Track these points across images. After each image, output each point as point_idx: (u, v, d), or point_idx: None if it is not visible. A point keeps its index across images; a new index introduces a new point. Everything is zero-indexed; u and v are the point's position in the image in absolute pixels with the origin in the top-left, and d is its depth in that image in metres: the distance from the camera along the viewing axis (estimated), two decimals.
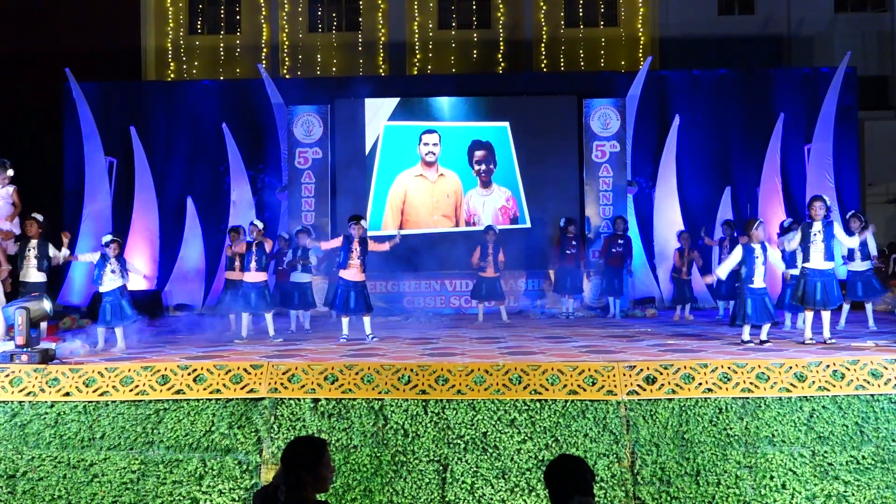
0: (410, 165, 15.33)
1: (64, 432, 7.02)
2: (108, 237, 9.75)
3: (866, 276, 10.66)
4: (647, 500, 6.58)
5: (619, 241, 13.51)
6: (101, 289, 9.58)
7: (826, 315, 8.97)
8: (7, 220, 9.48)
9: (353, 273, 10.11)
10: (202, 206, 16.02)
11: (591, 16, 19.58)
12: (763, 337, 8.86)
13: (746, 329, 8.89)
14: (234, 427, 6.94)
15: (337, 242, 10.34)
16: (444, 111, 15.39)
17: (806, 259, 9.05)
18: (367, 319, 10.23)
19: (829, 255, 8.98)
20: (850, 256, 10.75)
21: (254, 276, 10.40)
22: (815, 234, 8.96)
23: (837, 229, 9.18)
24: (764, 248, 8.98)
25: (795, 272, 9.77)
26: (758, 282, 8.90)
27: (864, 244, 10.58)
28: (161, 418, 7.04)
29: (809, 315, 9.02)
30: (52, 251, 9.73)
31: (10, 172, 9.61)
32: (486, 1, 19.66)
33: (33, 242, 9.60)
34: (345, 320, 10.19)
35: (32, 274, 9.54)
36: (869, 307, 10.74)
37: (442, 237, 15.07)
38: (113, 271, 9.53)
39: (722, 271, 9.42)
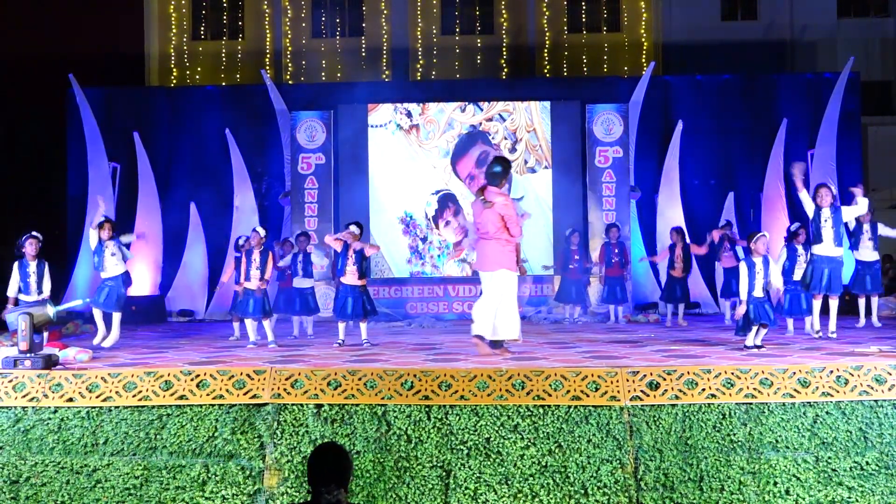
0: (414, 172, 15.39)
1: (67, 438, 7.02)
2: (98, 220, 9.67)
3: (874, 269, 10.56)
4: None
5: (616, 251, 13.50)
6: (103, 274, 9.52)
7: (833, 305, 8.89)
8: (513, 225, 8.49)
9: (350, 278, 10.17)
10: (205, 212, 16.02)
11: (594, 21, 19.59)
12: (758, 342, 8.81)
13: (751, 334, 8.88)
14: (237, 432, 6.94)
15: (337, 245, 10.36)
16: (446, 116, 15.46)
17: (815, 242, 9.05)
18: (363, 326, 10.30)
19: (839, 241, 9.03)
20: (854, 246, 10.60)
21: (254, 283, 10.25)
22: (824, 221, 8.98)
23: (846, 211, 9.17)
24: (766, 263, 8.97)
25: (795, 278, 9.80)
26: (757, 293, 8.91)
27: (874, 230, 10.49)
28: (164, 424, 7.04)
29: (817, 305, 8.97)
30: (47, 280, 9.32)
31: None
32: (489, 7, 19.68)
33: (32, 267, 9.19)
34: (341, 325, 10.29)
35: (31, 297, 9.17)
36: (875, 306, 10.68)
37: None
38: (113, 254, 9.47)
39: (743, 293, 9.19)
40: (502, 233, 8.30)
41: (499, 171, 8.45)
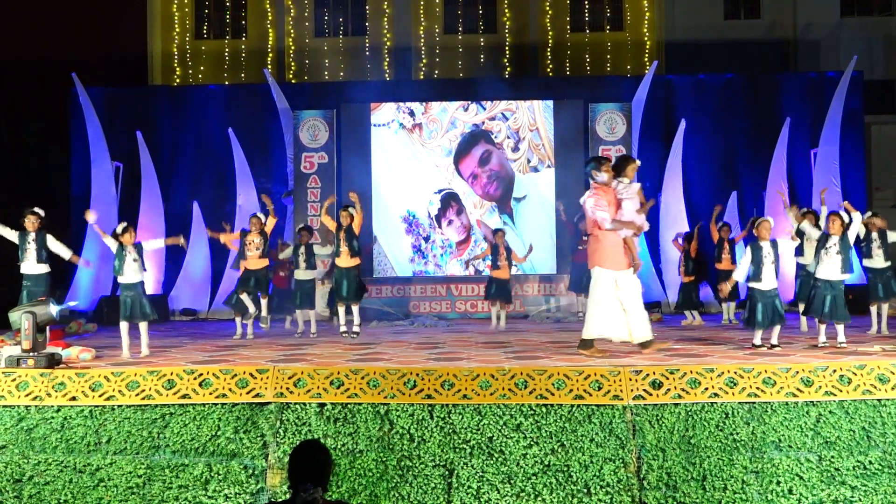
0: (416, 171, 15.39)
1: (70, 437, 7.03)
2: (122, 225, 9.73)
3: (886, 277, 10.52)
4: None
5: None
6: (121, 279, 9.49)
7: (840, 328, 8.84)
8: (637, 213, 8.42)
9: (344, 260, 10.59)
10: (208, 211, 16.04)
11: (597, 20, 19.56)
12: (773, 341, 8.81)
13: (758, 334, 8.85)
14: (239, 432, 6.94)
15: (332, 224, 10.79)
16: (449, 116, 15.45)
17: (820, 269, 9.01)
18: (356, 309, 10.69)
19: (847, 268, 8.91)
20: (866, 254, 10.62)
21: (251, 263, 10.77)
22: (831, 246, 8.92)
23: (852, 232, 9.12)
24: (773, 245, 8.93)
25: (804, 262, 9.79)
26: (767, 282, 8.83)
27: (884, 240, 10.45)
28: (167, 423, 7.05)
29: (822, 326, 8.95)
30: (51, 243, 9.65)
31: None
32: (491, 6, 19.65)
33: (32, 235, 9.55)
34: (340, 309, 10.76)
35: (33, 266, 9.54)
36: (885, 313, 10.63)
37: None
38: (135, 260, 9.50)
39: (740, 275, 9.24)
40: (595, 228, 8.34)
41: (588, 170, 8.52)
